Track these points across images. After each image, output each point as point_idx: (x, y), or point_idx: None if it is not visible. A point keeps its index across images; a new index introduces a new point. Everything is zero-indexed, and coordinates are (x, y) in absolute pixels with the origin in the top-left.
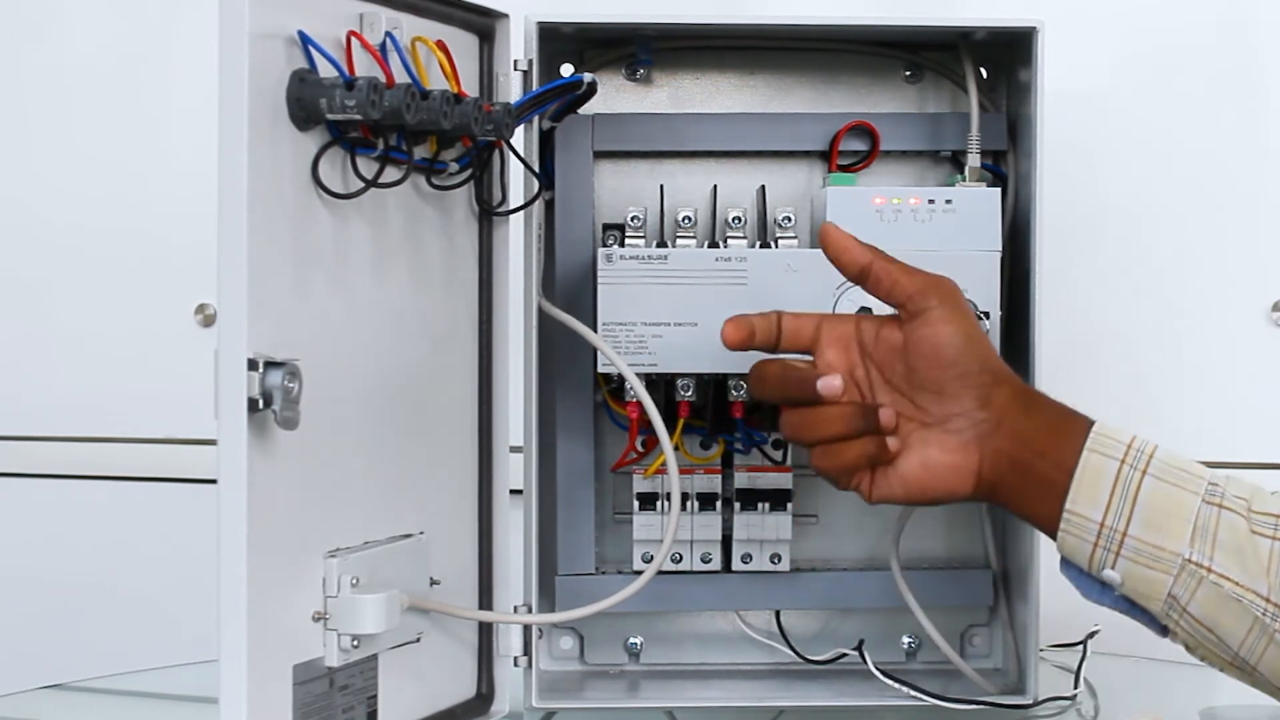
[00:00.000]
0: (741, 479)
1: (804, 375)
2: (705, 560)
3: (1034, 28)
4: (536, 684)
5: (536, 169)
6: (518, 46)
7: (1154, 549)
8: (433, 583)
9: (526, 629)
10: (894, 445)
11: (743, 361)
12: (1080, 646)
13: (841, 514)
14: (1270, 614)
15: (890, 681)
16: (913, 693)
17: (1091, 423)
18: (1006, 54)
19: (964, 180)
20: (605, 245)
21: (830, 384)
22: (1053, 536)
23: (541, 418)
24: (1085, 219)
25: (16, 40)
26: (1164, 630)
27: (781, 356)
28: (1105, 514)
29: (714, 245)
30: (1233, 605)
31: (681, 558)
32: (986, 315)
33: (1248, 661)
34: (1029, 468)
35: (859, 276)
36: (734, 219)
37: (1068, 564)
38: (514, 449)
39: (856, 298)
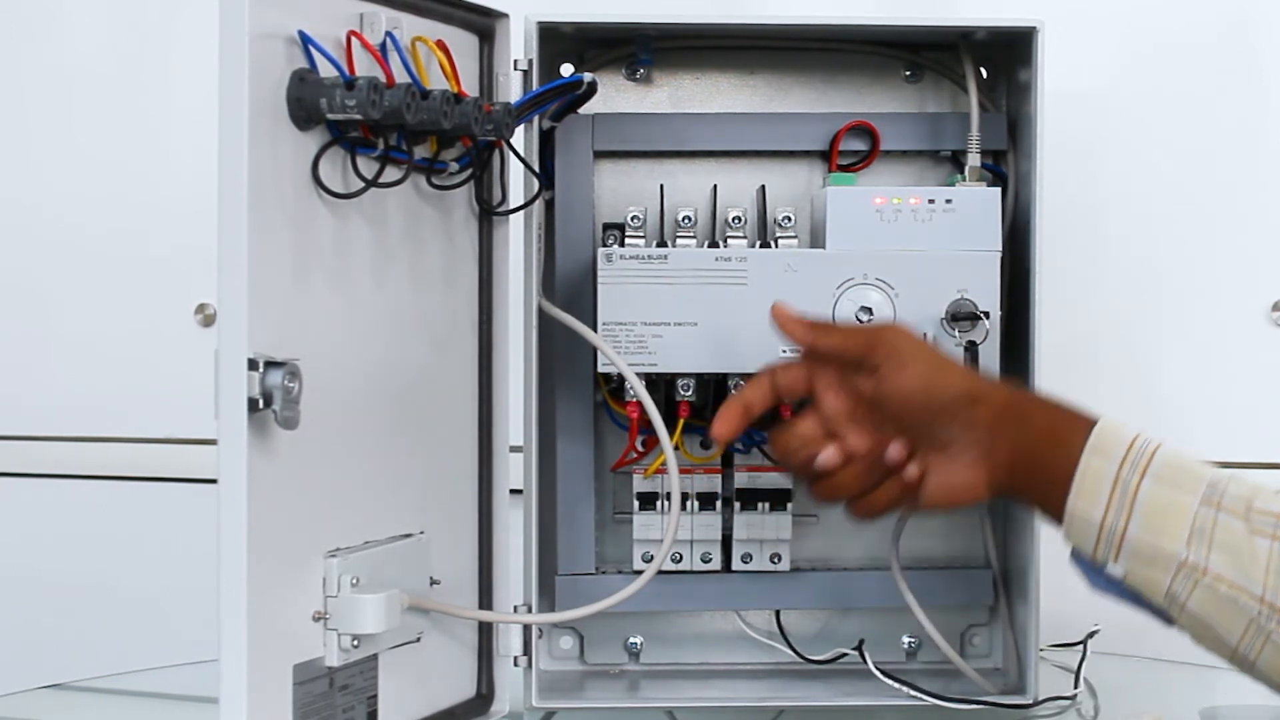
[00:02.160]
0: (741, 479)
1: (803, 459)
2: (705, 560)
3: (1034, 28)
4: (536, 684)
5: (536, 169)
6: (518, 46)
7: (1152, 549)
8: (433, 583)
9: (526, 629)
10: (913, 472)
11: (743, 362)
12: (1080, 646)
13: (841, 514)
14: (1264, 614)
15: (890, 681)
16: (913, 693)
17: (1094, 421)
18: (1006, 54)
19: (964, 180)
20: (605, 245)
21: (826, 459)
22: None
23: (541, 418)
24: (1085, 219)
25: (16, 40)
26: (1169, 621)
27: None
28: (1105, 514)
29: (714, 245)
30: (1228, 606)
31: (681, 558)
32: (986, 315)
33: (1246, 658)
34: (1032, 471)
35: (808, 354)
36: (734, 219)
37: (1077, 555)
38: (514, 449)
39: (856, 297)
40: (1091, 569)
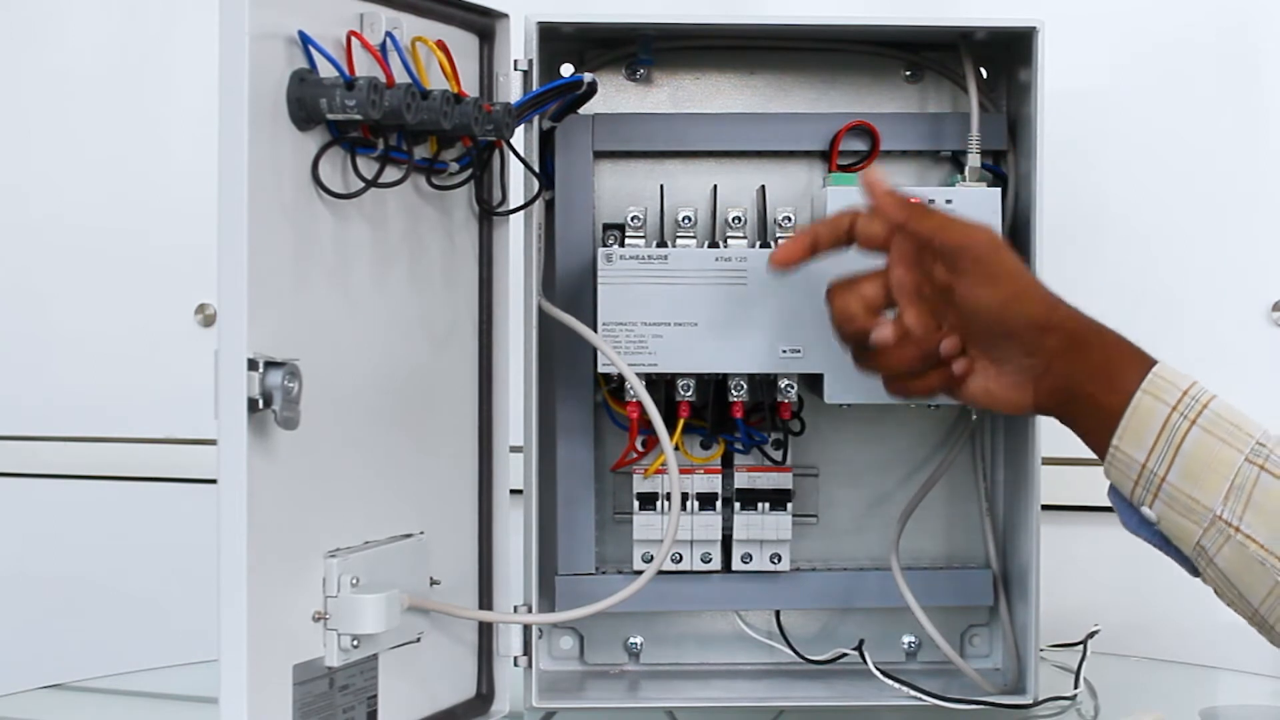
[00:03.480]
0: (741, 479)
1: (859, 329)
2: (705, 560)
3: (1034, 28)
4: (536, 684)
5: (536, 169)
6: (518, 46)
7: (1188, 499)
8: (433, 583)
9: (526, 629)
10: (960, 368)
11: (743, 362)
12: (1080, 646)
13: (841, 514)
14: None
15: (890, 681)
16: (913, 693)
17: (1153, 362)
18: (1006, 54)
19: (964, 180)
20: (605, 245)
21: (881, 335)
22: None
23: (541, 418)
24: (1085, 219)
25: (16, 41)
26: (1195, 571)
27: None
28: (1149, 456)
29: (714, 245)
30: (1255, 566)
31: (681, 558)
32: None
33: (1266, 620)
34: (1082, 403)
35: (897, 232)
36: (734, 219)
37: (1115, 491)
38: (514, 449)
39: None
40: (1127, 507)
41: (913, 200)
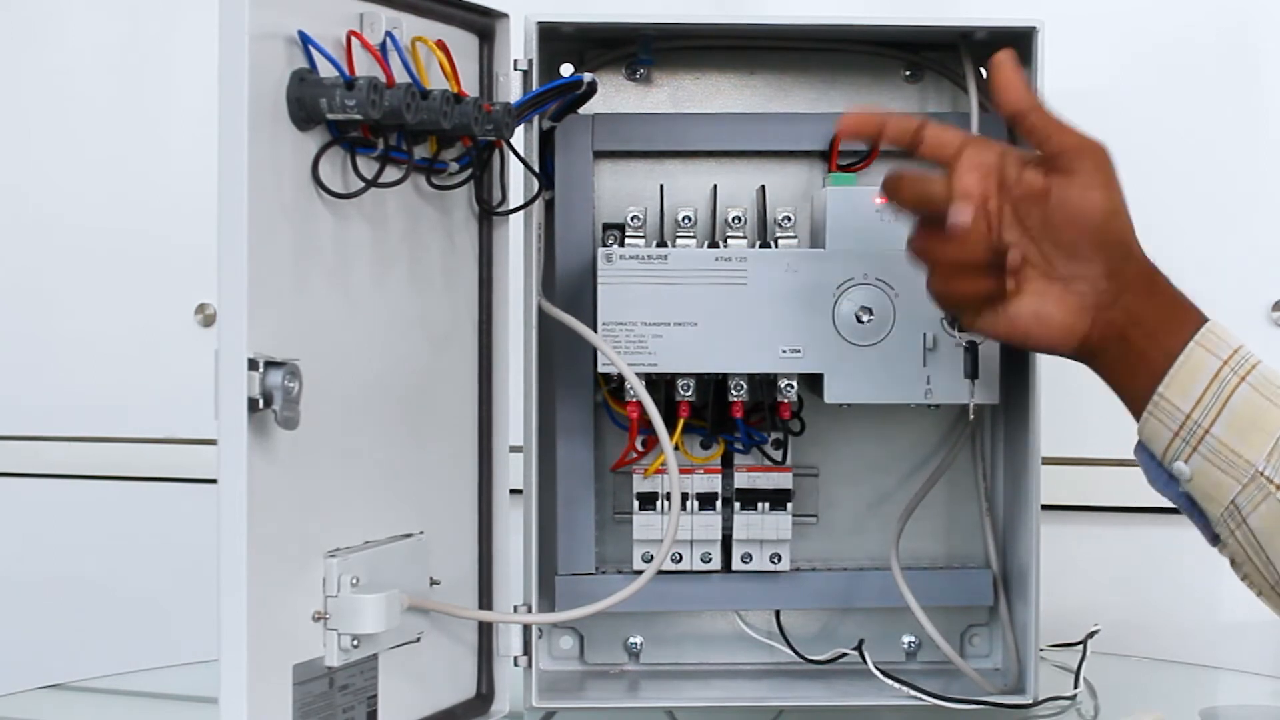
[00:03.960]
0: (741, 479)
1: (938, 192)
2: (705, 560)
3: (1034, 28)
4: (536, 684)
5: (536, 169)
6: (518, 46)
7: (1231, 453)
8: (433, 583)
9: (526, 629)
10: (1011, 286)
11: (743, 362)
12: (1080, 646)
13: (841, 514)
14: None
15: (890, 681)
16: (913, 693)
17: (1205, 318)
18: None
19: None
20: (605, 245)
21: (961, 213)
22: (1136, 417)
23: (541, 418)
24: None
25: (17, 41)
26: (1215, 539)
27: (912, 170)
28: (1195, 407)
29: (714, 245)
30: None
31: (681, 558)
32: None
33: None
34: (1135, 345)
35: (1012, 119)
36: (734, 219)
37: (1143, 448)
38: (514, 449)
39: (856, 297)
40: (1155, 464)
41: (1036, 98)
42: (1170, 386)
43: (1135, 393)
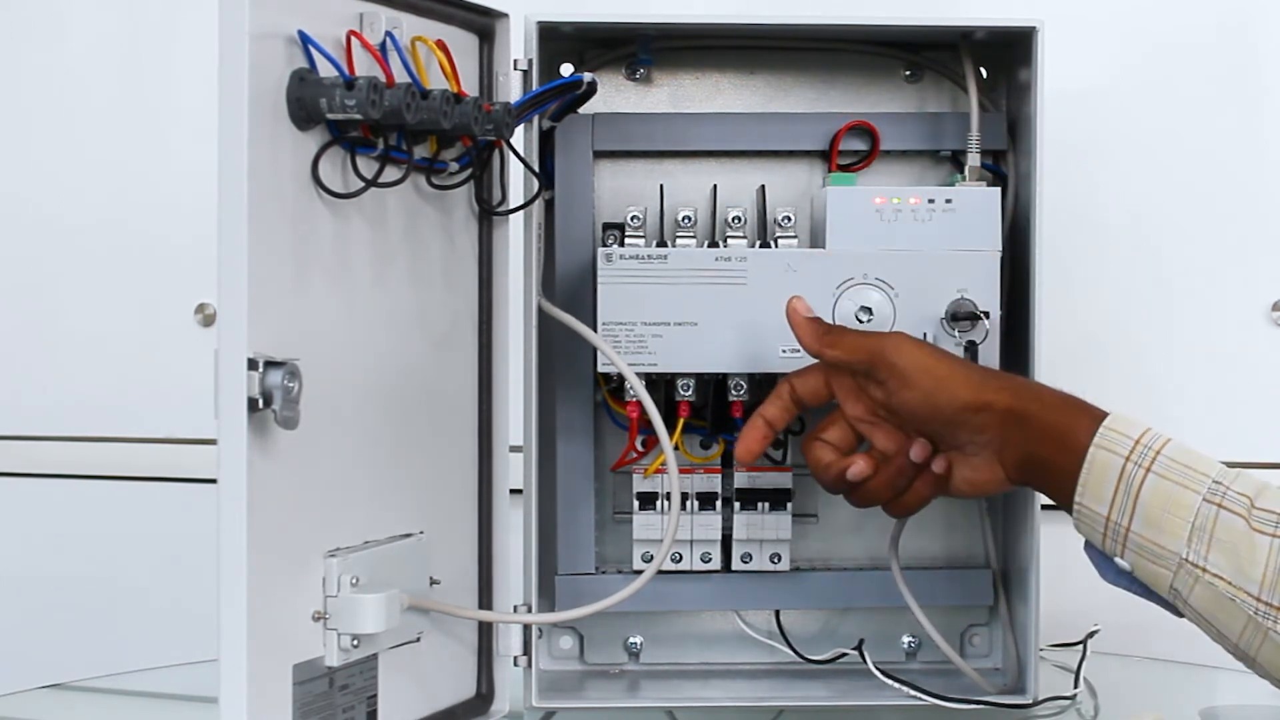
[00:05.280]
0: (741, 479)
1: (836, 474)
2: (705, 560)
3: (1034, 28)
4: (536, 684)
5: (536, 169)
6: (518, 46)
7: (1155, 546)
8: (433, 582)
9: (526, 629)
10: (940, 466)
11: (743, 362)
12: (1080, 646)
13: (841, 514)
14: (1262, 613)
15: (890, 681)
16: (913, 692)
17: (1103, 416)
18: (1006, 54)
19: (964, 180)
20: (605, 245)
21: (857, 471)
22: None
23: (541, 418)
24: (1085, 219)
25: (17, 41)
26: (1179, 613)
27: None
28: (1111, 509)
29: (714, 245)
30: (1227, 604)
31: (681, 558)
32: (986, 315)
33: (1246, 653)
34: (1043, 470)
35: (826, 387)
36: (734, 219)
37: (1091, 546)
38: (514, 449)
39: (856, 297)
40: (1103, 559)
41: (825, 331)
42: (1084, 495)
43: (1065, 505)
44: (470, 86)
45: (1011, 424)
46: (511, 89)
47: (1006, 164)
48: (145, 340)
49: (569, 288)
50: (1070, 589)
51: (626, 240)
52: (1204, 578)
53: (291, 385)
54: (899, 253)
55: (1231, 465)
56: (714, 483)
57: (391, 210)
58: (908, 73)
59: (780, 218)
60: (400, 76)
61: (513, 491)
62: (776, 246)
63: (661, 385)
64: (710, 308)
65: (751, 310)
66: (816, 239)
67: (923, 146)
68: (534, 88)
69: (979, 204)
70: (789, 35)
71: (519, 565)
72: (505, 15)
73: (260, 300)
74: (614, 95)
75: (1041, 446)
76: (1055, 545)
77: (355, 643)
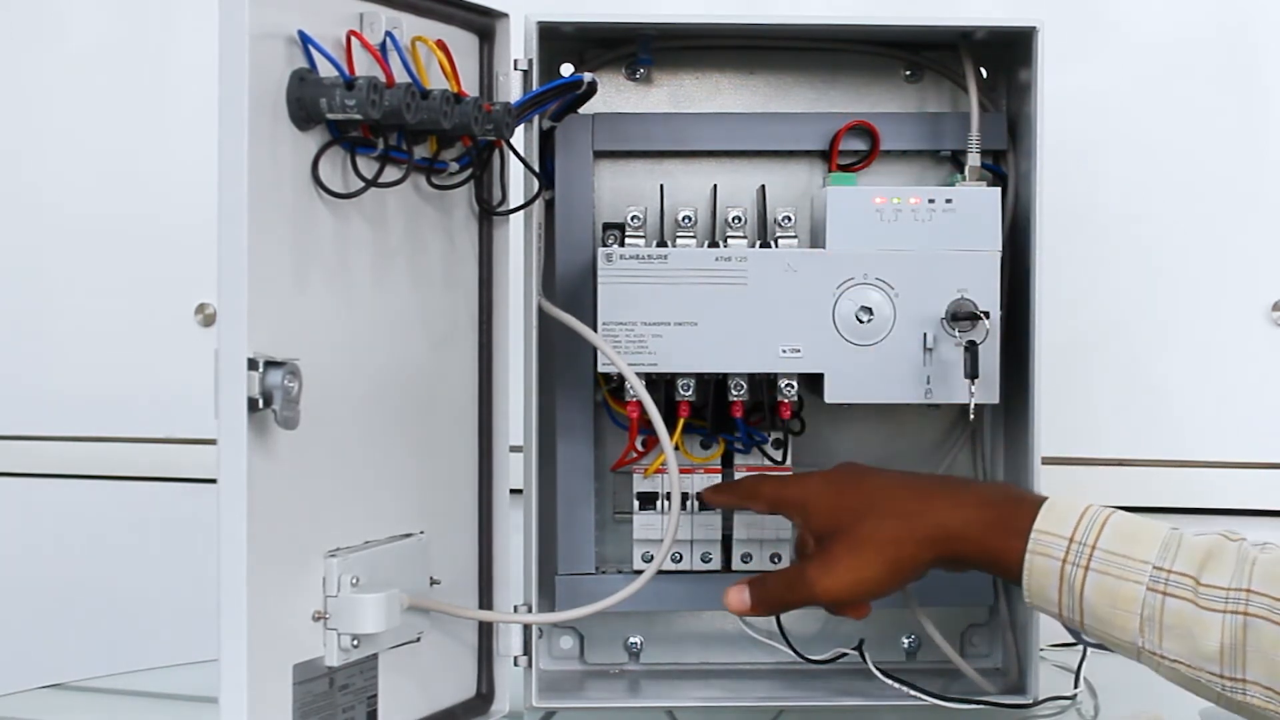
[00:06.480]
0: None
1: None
2: (705, 560)
3: (1034, 28)
4: (536, 684)
5: (536, 169)
6: (518, 46)
7: (1112, 638)
8: (433, 582)
9: (526, 629)
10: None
11: (743, 362)
12: (1080, 646)
13: None
14: (1228, 687)
15: (890, 681)
16: (913, 692)
17: (1037, 510)
18: (1006, 54)
19: (964, 180)
20: (605, 245)
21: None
22: None
23: (541, 418)
24: (1085, 219)
25: (17, 41)
26: None
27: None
28: (1060, 610)
29: (714, 245)
30: (1194, 684)
31: (681, 558)
32: (986, 315)
33: (1231, 705)
34: (997, 572)
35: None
36: (734, 219)
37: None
38: (514, 449)
39: (856, 297)
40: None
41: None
42: (1033, 599)
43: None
44: (470, 86)
45: (944, 565)
46: (512, 89)
47: (1006, 164)
48: (145, 340)
49: (569, 288)
50: None
51: (627, 240)
52: (1165, 663)
53: (291, 385)
54: (899, 253)
55: (1231, 466)
56: (714, 483)
57: (391, 210)
58: (908, 73)
59: (780, 218)
60: (400, 76)
61: (513, 491)
62: (777, 246)
63: (661, 385)
64: (710, 308)
65: (751, 310)
66: (816, 239)
67: (923, 146)
68: (534, 88)
69: (979, 204)
70: (789, 35)
71: (519, 565)
72: (505, 15)
73: (260, 300)
74: (614, 95)
75: (980, 559)
76: None
77: (355, 643)
